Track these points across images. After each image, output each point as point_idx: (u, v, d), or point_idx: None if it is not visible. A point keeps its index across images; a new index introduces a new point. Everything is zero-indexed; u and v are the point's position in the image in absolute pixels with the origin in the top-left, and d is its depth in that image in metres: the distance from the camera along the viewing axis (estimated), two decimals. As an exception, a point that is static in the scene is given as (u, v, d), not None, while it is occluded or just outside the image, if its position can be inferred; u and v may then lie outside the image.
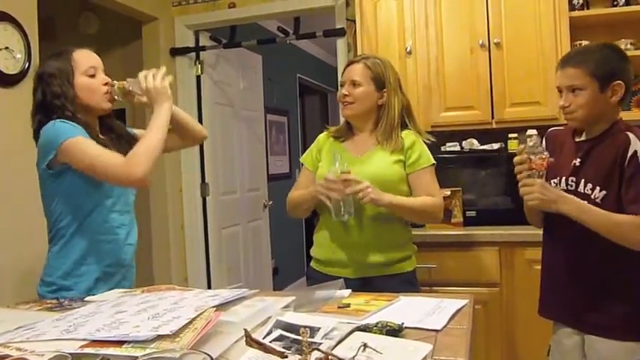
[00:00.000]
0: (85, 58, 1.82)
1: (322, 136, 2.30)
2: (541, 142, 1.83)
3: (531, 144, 1.78)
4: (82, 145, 1.66)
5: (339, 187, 1.95)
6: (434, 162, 2.17)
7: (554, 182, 1.88)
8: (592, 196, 1.78)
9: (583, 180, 1.82)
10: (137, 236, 1.92)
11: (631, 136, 1.76)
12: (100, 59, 1.88)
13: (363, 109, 2.14)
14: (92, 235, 1.77)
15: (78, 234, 1.76)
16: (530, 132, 1.85)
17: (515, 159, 1.84)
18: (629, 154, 1.73)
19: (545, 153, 1.78)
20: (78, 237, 1.76)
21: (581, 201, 1.77)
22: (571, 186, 1.84)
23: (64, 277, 1.73)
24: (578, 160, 1.85)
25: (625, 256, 1.74)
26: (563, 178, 1.87)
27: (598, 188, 1.78)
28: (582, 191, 1.81)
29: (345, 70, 2.22)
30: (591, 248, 1.79)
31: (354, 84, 2.14)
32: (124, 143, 1.88)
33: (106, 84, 1.82)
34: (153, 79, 1.78)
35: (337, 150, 2.12)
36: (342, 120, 2.32)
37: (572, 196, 1.78)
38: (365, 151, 2.15)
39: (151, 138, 1.70)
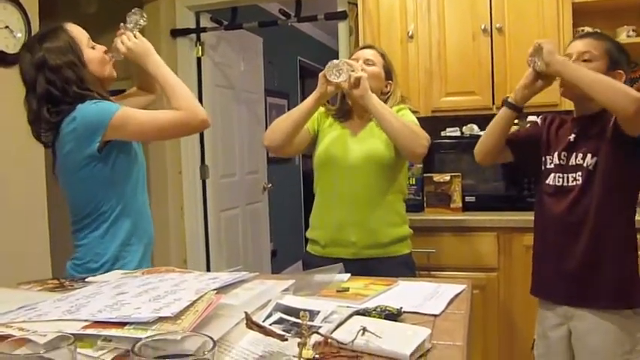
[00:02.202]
0: (79, 31, 1.79)
1: (321, 109, 2.28)
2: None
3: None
4: (133, 114, 1.68)
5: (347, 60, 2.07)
6: (417, 123, 2.17)
7: (548, 158, 1.92)
8: (584, 165, 1.83)
9: (575, 152, 1.87)
10: None
11: None
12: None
13: (373, 87, 2.13)
14: (134, 215, 1.78)
15: (122, 216, 1.75)
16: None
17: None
18: (612, 120, 1.78)
19: None
20: (122, 219, 1.75)
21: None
22: (563, 160, 1.89)
23: (113, 262, 1.72)
24: (573, 135, 1.89)
25: (614, 236, 1.78)
26: (556, 152, 1.92)
27: (589, 155, 1.83)
28: (574, 163, 1.86)
29: (355, 52, 2.29)
30: (582, 230, 1.82)
31: (368, 62, 2.19)
32: None
33: (105, 51, 1.81)
34: (128, 40, 1.82)
35: None
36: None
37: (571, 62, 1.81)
38: (362, 128, 2.20)
39: (181, 87, 1.75)
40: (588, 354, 1.81)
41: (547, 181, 1.93)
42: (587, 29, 2.80)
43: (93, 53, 1.78)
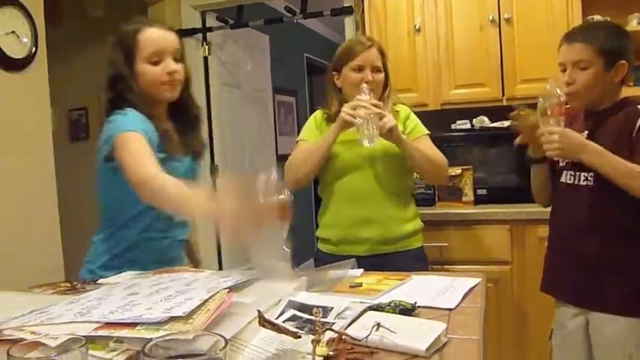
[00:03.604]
0: (150, 41, 1.67)
1: (319, 114, 2.26)
2: (556, 90, 1.77)
3: (548, 87, 1.76)
4: (129, 144, 1.55)
5: (367, 104, 1.97)
6: (429, 132, 2.22)
7: None
8: None
9: None
10: (188, 232, 1.87)
11: None
12: (172, 40, 1.72)
13: (379, 94, 2.15)
14: (138, 232, 1.71)
15: (125, 228, 1.70)
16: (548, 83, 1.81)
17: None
18: (638, 124, 1.72)
19: (563, 97, 1.74)
20: (124, 231, 1.71)
21: (604, 150, 1.71)
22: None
23: (104, 268, 1.69)
24: (586, 132, 1.84)
25: (626, 241, 1.73)
26: None
27: None
28: None
29: (357, 53, 2.13)
30: (594, 232, 1.78)
31: (377, 70, 2.14)
32: (190, 130, 1.82)
33: (170, 72, 1.68)
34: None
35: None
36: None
37: (595, 144, 1.73)
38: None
39: None
40: (606, 343, 1.79)
41: (560, 179, 1.91)
42: (598, 17, 2.76)
43: (146, 68, 1.67)
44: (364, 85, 2.05)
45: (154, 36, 1.69)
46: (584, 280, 1.82)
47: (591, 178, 1.79)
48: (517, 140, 1.95)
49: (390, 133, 1.99)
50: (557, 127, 1.74)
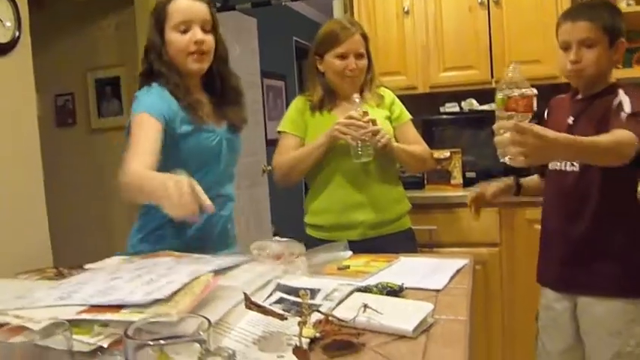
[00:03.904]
0: (178, 10, 1.69)
1: (300, 101, 2.24)
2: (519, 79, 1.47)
3: (510, 75, 1.46)
4: (141, 126, 1.58)
5: (363, 124, 1.96)
6: (411, 117, 2.26)
7: None
8: None
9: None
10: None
11: (620, 90, 1.74)
12: (201, 10, 1.71)
13: (362, 80, 2.14)
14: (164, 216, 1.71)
15: (154, 206, 1.70)
16: (509, 70, 1.51)
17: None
18: (614, 104, 1.71)
19: (531, 90, 1.44)
20: (154, 212, 1.67)
21: (575, 138, 1.49)
22: None
23: (137, 246, 1.72)
24: (571, 118, 1.84)
25: (614, 224, 1.74)
26: None
27: None
28: None
29: (341, 40, 2.10)
30: (582, 217, 1.79)
31: (361, 56, 2.13)
32: (226, 103, 1.81)
33: (196, 42, 1.68)
34: None
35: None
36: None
37: (562, 135, 1.46)
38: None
39: None
40: (592, 323, 1.80)
41: (549, 166, 1.91)
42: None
43: (173, 36, 1.69)
44: (355, 96, 2.04)
45: (182, 6, 1.69)
46: (574, 267, 1.83)
47: (576, 164, 1.79)
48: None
49: (384, 148, 2.01)
50: (528, 127, 1.35)
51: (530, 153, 1.35)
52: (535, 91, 1.45)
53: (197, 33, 1.68)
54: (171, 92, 1.67)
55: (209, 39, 1.72)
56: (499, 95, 1.45)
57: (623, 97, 1.71)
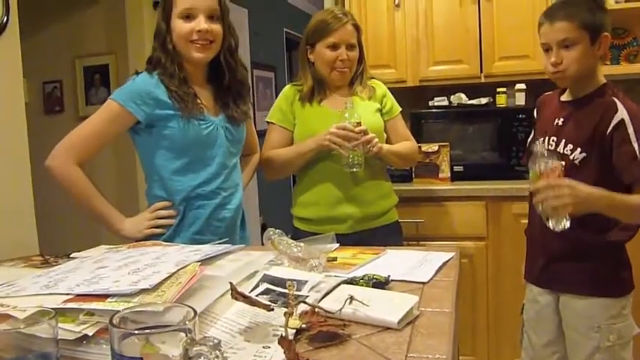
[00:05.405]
0: None
1: (290, 90, 2.22)
2: (546, 152, 1.66)
3: (537, 150, 1.65)
4: (100, 111, 1.68)
5: (356, 136, 1.96)
6: (400, 109, 2.27)
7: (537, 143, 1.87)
8: (571, 157, 1.76)
9: (564, 140, 1.79)
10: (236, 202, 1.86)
11: (618, 103, 1.70)
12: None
13: (354, 72, 2.14)
14: (164, 187, 1.76)
15: (152, 182, 1.79)
16: (535, 146, 1.70)
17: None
18: (614, 122, 1.68)
19: (556, 162, 1.62)
20: (153, 186, 1.80)
21: (608, 194, 1.61)
22: (551, 145, 1.82)
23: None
24: (561, 119, 1.83)
25: (598, 220, 1.73)
26: (545, 137, 1.86)
27: (578, 150, 1.75)
28: (562, 151, 1.78)
29: (332, 30, 2.09)
30: None
31: (352, 47, 2.12)
32: (227, 94, 1.81)
33: (199, 31, 1.67)
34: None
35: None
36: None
37: (598, 191, 1.61)
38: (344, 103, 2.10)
39: None
40: (574, 317, 1.82)
41: None
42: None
43: (177, 24, 1.69)
44: (348, 99, 2.04)
45: None
46: (557, 264, 1.84)
47: (569, 152, 1.79)
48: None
49: (375, 155, 2.03)
50: (563, 181, 1.59)
51: (571, 200, 1.56)
52: (562, 162, 1.67)
53: (201, 22, 1.67)
54: (163, 82, 1.67)
55: (215, 28, 1.70)
56: (531, 171, 1.64)
57: (624, 116, 1.68)
